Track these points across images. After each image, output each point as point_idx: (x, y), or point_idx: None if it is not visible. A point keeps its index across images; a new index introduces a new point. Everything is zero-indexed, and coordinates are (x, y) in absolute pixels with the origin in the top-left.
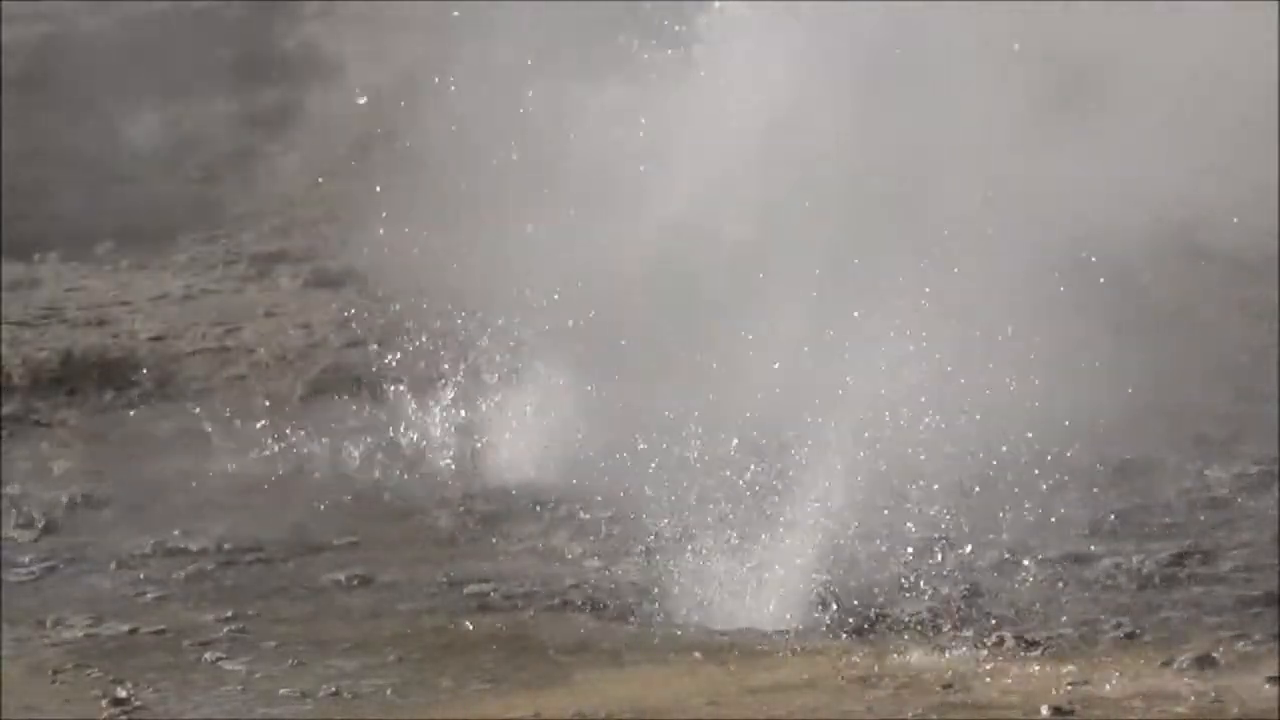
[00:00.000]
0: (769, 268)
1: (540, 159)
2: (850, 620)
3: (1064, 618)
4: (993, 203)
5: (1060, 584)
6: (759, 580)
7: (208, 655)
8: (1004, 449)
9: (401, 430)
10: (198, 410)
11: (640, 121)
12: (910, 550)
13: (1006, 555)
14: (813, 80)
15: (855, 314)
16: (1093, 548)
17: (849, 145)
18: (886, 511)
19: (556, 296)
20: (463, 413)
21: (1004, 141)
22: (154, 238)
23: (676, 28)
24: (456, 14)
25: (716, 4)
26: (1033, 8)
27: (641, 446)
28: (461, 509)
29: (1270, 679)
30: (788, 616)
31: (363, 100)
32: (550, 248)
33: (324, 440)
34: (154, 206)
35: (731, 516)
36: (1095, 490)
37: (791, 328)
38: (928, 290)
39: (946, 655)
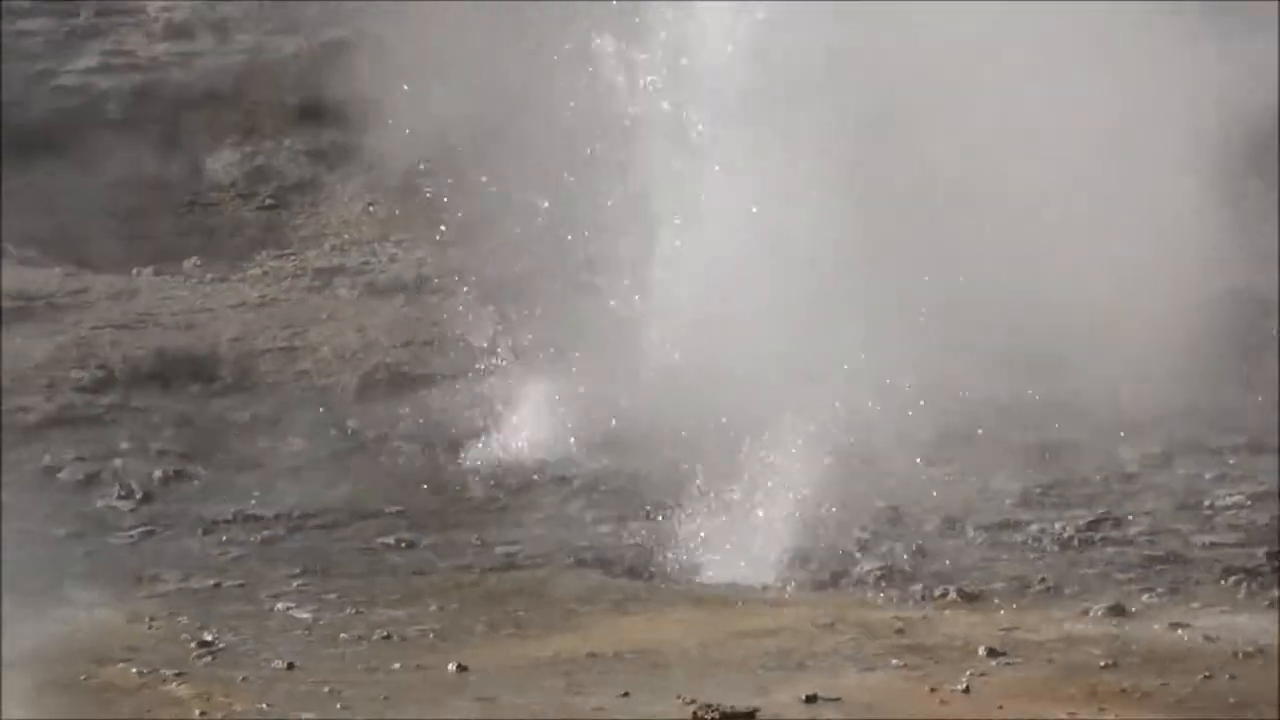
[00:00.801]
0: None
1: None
2: (818, 576)
3: (997, 574)
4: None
5: (994, 546)
6: (742, 543)
7: (280, 605)
8: (947, 432)
9: (440, 415)
10: (270, 399)
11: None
12: (868, 518)
13: (949, 521)
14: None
15: (823, 317)
16: (1021, 515)
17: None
18: (849, 486)
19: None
20: (492, 400)
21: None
22: (232, 255)
23: None
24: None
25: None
26: None
27: (645, 429)
28: (492, 482)
29: (1171, 625)
30: (766, 573)
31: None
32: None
33: (375, 424)
34: (233, 229)
35: (721, 490)
36: (1024, 467)
37: (775, 325)
38: (886, 296)
39: (898, 606)
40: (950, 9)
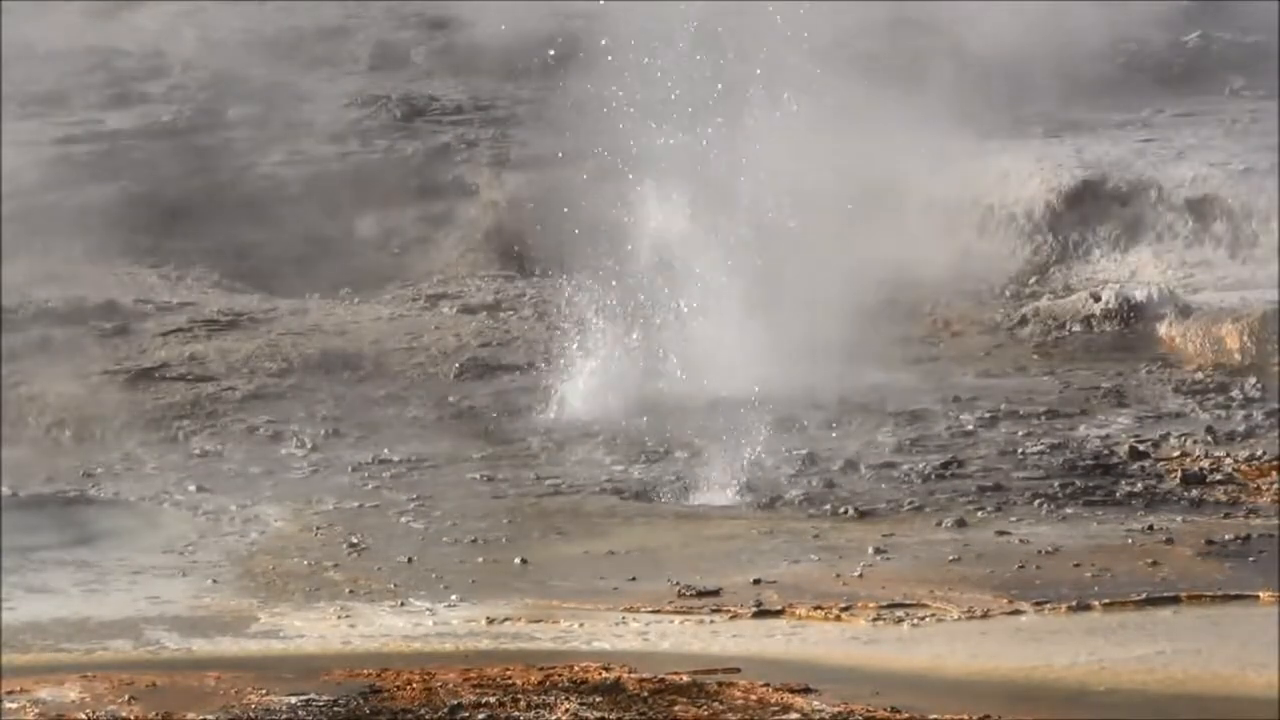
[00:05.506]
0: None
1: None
2: (761, 501)
3: (881, 498)
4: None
5: (878, 479)
6: (710, 478)
7: (403, 519)
8: (848, 406)
9: (509, 392)
10: (397, 382)
11: None
12: (795, 462)
13: (849, 463)
14: None
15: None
16: (897, 458)
17: None
18: (782, 442)
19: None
20: (542, 381)
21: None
22: (372, 285)
23: None
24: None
25: None
26: None
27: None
28: (544, 436)
29: (997, 533)
30: (726, 498)
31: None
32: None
33: (466, 399)
34: (373, 268)
35: (696, 445)
36: (898, 426)
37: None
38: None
39: (815, 520)
40: None
